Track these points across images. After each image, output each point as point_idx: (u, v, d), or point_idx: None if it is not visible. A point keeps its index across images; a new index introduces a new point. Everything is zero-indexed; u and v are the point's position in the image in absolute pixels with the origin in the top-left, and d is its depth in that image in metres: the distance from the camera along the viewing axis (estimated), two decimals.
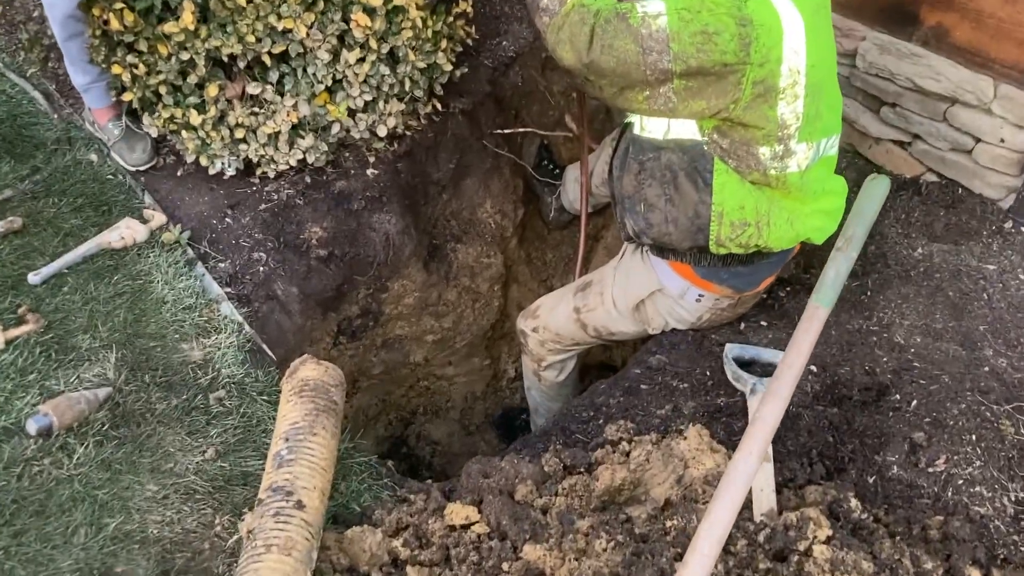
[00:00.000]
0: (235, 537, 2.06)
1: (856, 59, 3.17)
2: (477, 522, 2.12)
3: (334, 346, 3.15)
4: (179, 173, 3.07)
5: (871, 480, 2.12)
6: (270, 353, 2.62)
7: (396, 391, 3.53)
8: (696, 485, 2.07)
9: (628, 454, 2.22)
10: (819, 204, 2.39)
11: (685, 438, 2.17)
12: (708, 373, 2.50)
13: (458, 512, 2.13)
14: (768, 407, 1.74)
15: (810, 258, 2.92)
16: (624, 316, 2.69)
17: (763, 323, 2.67)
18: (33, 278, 2.56)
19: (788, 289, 2.84)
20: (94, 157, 3.08)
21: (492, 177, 3.49)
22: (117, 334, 2.50)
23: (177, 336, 2.55)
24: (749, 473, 1.68)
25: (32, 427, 2.15)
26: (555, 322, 2.88)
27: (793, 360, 1.76)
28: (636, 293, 2.62)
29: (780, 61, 2.07)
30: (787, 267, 2.81)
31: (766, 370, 2.43)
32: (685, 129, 2.22)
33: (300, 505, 2.00)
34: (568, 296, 2.84)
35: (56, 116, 3.21)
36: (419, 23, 2.88)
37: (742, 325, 2.66)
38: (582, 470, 2.20)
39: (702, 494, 2.04)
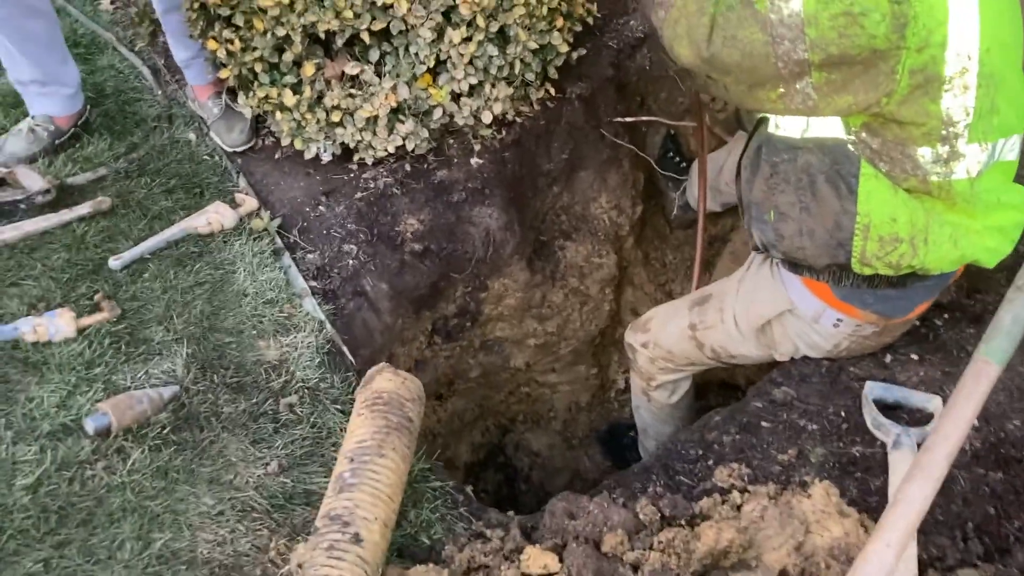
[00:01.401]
0: (286, 568, 1.87)
1: None
2: (556, 573, 1.85)
3: (428, 346, 2.94)
4: (276, 156, 2.92)
5: None
6: (349, 356, 2.42)
7: (494, 396, 3.29)
8: (819, 557, 1.72)
9: (739, 507, 1.89)
10: (992, 219, 1.97)
11: (809, 496, 1.83)
12: (843, 414, 2.12)
13: (536, 559, 1.86)
14: (915, 487, 1.38)
15: (975, 280, 2.48)
16: (747, 338, 2.34)
17: (914, 356, 2.26)
18: (114, 263, 2.44)
19: (947, 316, 2.41)
20: (192, 136, 2.96)
21: (609, 170, 3.18)
22: (192, 327, 2.35)
23: (255, 332, 2.39)
24: (885, 570, 1.33)
25: (90, 426, 2.01)
26: (667, 338, 2.55)
27: (951, 430, 1.40)
28: (762, 312, 2.27)
29: (944, 45, 1.69)
30: (947, 291, 2.38)
31: (914, 417, 2.04)
32: (828, 127, 1.86)
33: (357, 539, 1.78)
34: (683, 310, 2.51)
35: (160, 92, 3.11)
36: None
37: (888, 358, 2.27)
38: (683, 522, 1.89)
39: (825, 569, 1.69)
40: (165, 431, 2.07)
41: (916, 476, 1.39)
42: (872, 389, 2.05)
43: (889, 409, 2.04)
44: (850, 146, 1.85)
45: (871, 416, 2.00)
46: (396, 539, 1.98)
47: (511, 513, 2.17)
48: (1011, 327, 1.48)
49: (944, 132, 1.80)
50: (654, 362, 2.64)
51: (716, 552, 1.77)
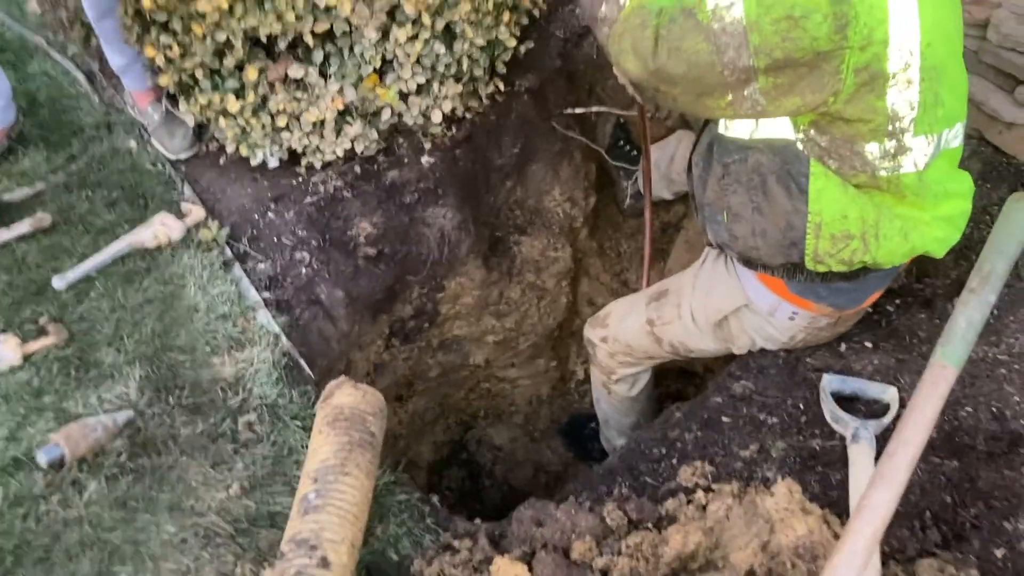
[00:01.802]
0: None
1: (988, 31, 2.71)
2: None
3: (386, 349, 2.91)
4: (222, 162, 2.85)
5: (999, 553, 1.76)
6: (307, 369, 2.39)
7: (455, 394, 3.28)
8: (784, 555, 1.75)
9: (705, 508, 1.91)
10: (940, 210, 2.00)
11: (772, 494, 1.85)
12: (801, 406, 2.15)
13: (505, 570, 1.86)
14: (879, 493, 1.40)
15: (924, 266, 2.52)
16: (704, 333, 2.36)
17: (867, 344, 2.30)
18: (58, 283, 2.37)
19: (898, 303, 2.46)
20: (133, 144, 2.88)
21: (561, 162, 3.17)
22: (144, 347, 2.29)
23: (208, 349, 2.34)
24: None
25: (43, 459, 1.96)
26: (626, 333, 2.56)
27: (912, 435, 1.42)
28: (718, 308, 2.29)
29: (886, 42, 1.69)
30: (897, 277, 2.42)
31: (871, 409, 2.07)
32: (776, 127, 1.86)
33: (325, 563, 1.76)
34: (641, 305, 2.51)
35: (97, 99, 3.02)
36: None
37: (843, 346, 2.30)
38: (650, 526, 1.90)
39: (791, 569, 1.72)
40: (121, 458, 2.02)
41: (879, 483, 1.41)
42: (829, 382, 2.08)
43: (847, 401, 2.07)
44: (799, 144, 1.86)
45: (829, 410, 2.03)
46: (364, 556, 1.96)
47: (478, 521, 2.16)
48: (966, 331, 1.50)
49: (891, 127, 1.81)
50: (613, 356, 2.65)
51: (684, 555, 1.79)
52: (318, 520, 1.83)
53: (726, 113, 1.82)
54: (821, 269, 1.98)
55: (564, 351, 3.40)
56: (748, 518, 1.83)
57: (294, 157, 2.76)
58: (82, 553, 1.85)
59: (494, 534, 2.07)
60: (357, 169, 2.79)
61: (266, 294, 2.54)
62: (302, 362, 2.39)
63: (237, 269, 2.56)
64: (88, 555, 1.85)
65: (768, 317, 2.21)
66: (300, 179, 2.79)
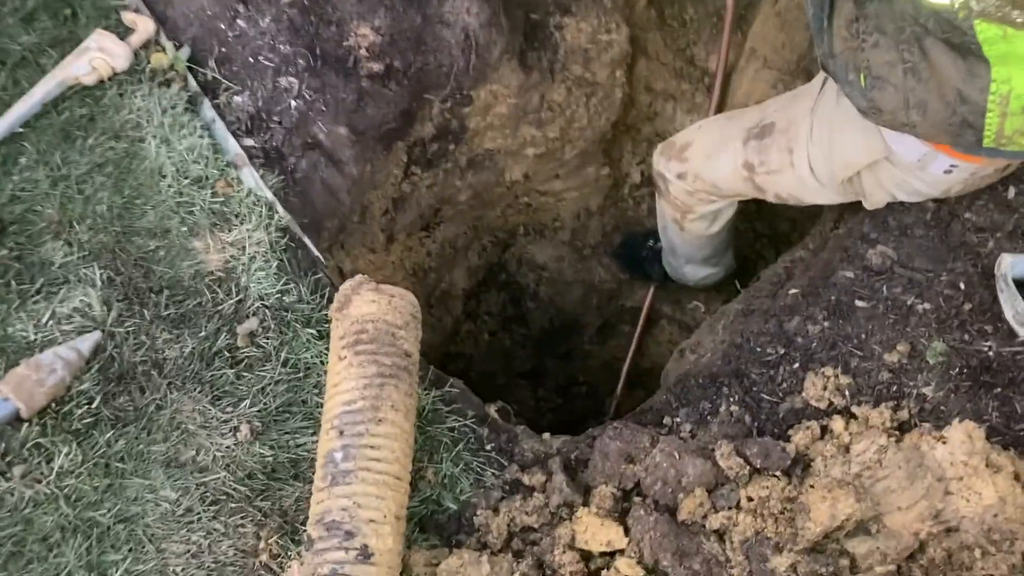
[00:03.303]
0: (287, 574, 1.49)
1: None
2: (623, 551, 1.48)
3: (405, 178, 2.36)
4: None
5: None
6: (315, 251, 1.87)
7: (489, 213, 2.77)
8: (968, 532, 1.35)
9: (848, 448, 1.49)
10: None
11: (944, 440, 1.41)
12: (962, 285, 1.66)
13: (595, 532, 1.49)
14: None
15: None
16: (827, 187, 1.80)
17: None
18: None
19: None
20: None
21: None
22: (102, 234, 1.77)
23: (185, 229, 1.81)
24: None
25: None
26: (713, 173, 2.00)
27: None
28: (848, 161, 1.70)
29: None
30: None
31: None
32: None
33: (366, 553, 1.39)
34: (735, 141, 1.92)
35: None
36: None
37: (1011, 192, 1.75)
38: (778, 474, 1.49)
39: (979, 559, 1.32)
40: (94, 404, 1.58)
41: None
42: (1013, 264, 1.57)
43: None
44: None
45: (1013, 307, 1.53)
46: (413, 508, 1.59)
47: (547, 437, 1.76)
48: None
49: None
50: (693, 195, 2.10)
51: (831, 531, 1.39)
52: (351, 493, 1.43)
53: None
54: (1009, 149, 1.40)
55: (617, 153, 2.83)
56: (911, 470, 1.41)
57: None
58: (63, 541, 1.48)
59: (570, 460, 1.67)
60: None
61: (248, 141, 1.96)
62: (307, 240, 1.87)
63: (207, 108, 1.95)
64: (71, 543, 1.47)
65: (917, 171, 1.65)
66: None
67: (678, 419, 1.65)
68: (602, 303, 3.04)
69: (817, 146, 1.74)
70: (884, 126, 1.50)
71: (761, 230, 2.81)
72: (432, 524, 1.60)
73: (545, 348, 3.12)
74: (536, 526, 1.57)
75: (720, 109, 2.63)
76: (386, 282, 2.30)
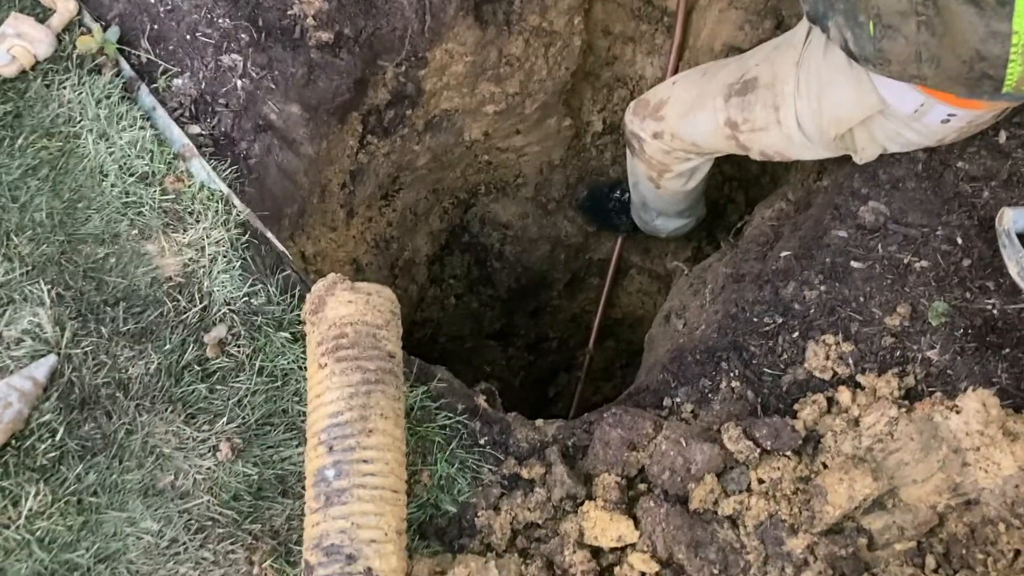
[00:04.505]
0: None
1: None
2: (635, 545, 1.43)
3: (361, 149, 2.23)
4: None
5: None
6: (278, 245, 1.74)
7: (449, 175, 2.65)
8: (990, 505, 1.32)
9: (857, 421, 1.45)
10: None
11: (958, 410, 1.38)
12: (959, 240, 1.61)
13: (605, 528, 1.44)
14: None
15: None
16: (815, 143, 1.72)
17: None
18: None
19: None
20: None
21: None
22: (44, 245, 1.62)
23: (135, 232, 1.67)
24: None
25: None
26: (692, 132, 1.91)
27: None
28: (839, 117, 1.62)
29: None
30: None
31: None
32: None
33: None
34: (715, 98, 1.82)
35: None
36: None
37: (1002, 136, 1.70)
38: (789, 454, 1.45)
39: (1003, 532, 1.30)
40: (58, 436, 1.46)
41: None
42: (1015, 219, 1.52)
43: None
44: None
45: (1018, 263, 1.49)
46: (412, 514, 1.52)
47: (540, 423, 1.69)
48: None
49: None
50: (670, 153, 2.02)
51: (848, 512, 1.36)
52: (348, 514, 1.35)
53: None
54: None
55: (577, 102, 2.71)
56: (924, 441, 1.38)
57: None
58: None
59: (568, 448, 1.62)
60: None
61: (195, 128, 1.80)
62: (270, 235, 1.74)
63: (145, 94, 1.79)
64: None
65: (911, 122, 1.58)
66: None
67: (678, 399, 1.60)
68: (569, 257, 2.96)
69: (805, 102, 1.65)
70: (890, 76, 1.41)
71: (729, 173, 2.73)
72: (432, 529, 1.53)
73: (513, 307, 3.04)
74: (540, 522, 1.52)
75: (681, 51, 2.52)
76: (349, 257, 2.20)
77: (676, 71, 2.44)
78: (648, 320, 2.59)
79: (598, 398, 3.14)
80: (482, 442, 1.63)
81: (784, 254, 1.72)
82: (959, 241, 1.61)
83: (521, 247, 2.90)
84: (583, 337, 3.08)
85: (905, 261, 1.61)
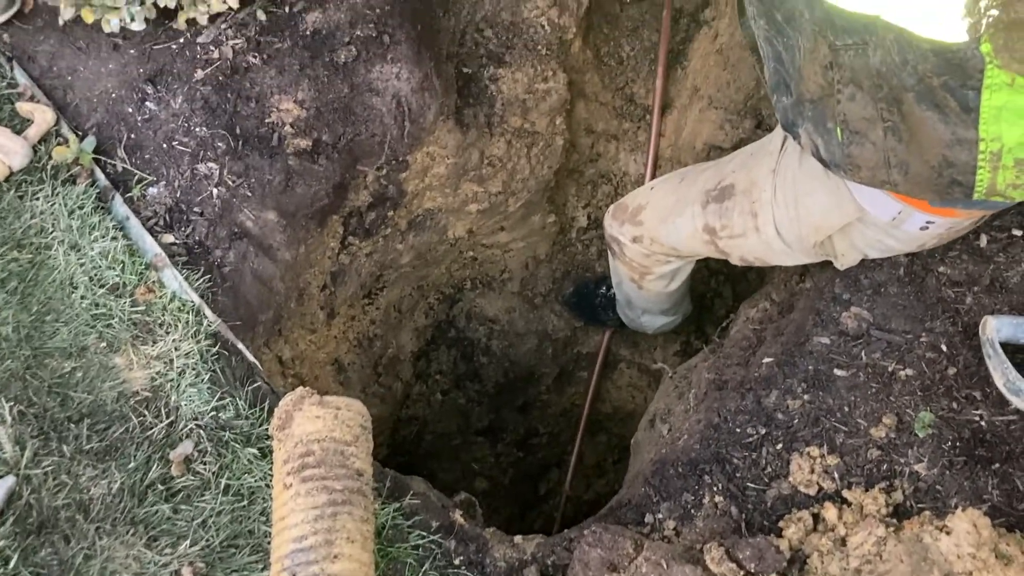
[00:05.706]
0: None
1: None
2: None
3: (343, 250, 2.22)
4: (61, 23, 1.93)
5: None
6: (251, 357, 1.71)
7: (434, 271, 2.63)
8: None
9: (844, 541, 1.39)
10: None
11: (948, 531, 1.32)
12: (944, 347, 1.58)
13: None
14: None
15: None
16: (794, 250, 1.70)
17: (1016, 232, 1.69)
18: None
19: None
20: None
21: None
22: (8, 360, 1.59)
23: (104, 345, 1.64)
24: None
25: None
26: (671, 237, 1.90)
27: None
28: (818, 225, 1.61)
29: None
30: None
31: None
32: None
33: None
34: (693, 205, 1.82)
35: None
36: None
37: (983, 240, 1.68)
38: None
39: None
40: (11, 564, 1.40)
41: None
42: (997, 327, 1.49)
43: (1021, 352, 1.50)
44: (974, 50, 1.12)
45: (1004, 374, 1.45)
46: None
47: (518, 540, 1.63)
48: None
49: None
50: (650, 256, 2.00)
51: None
52: None
53: None
54: (995, 200, 1.32)
55: (562, 198, 2.72)
56: (915, 564, 1.31)
57: (167, 13, 1.88)
58: None
59: (547, 568, 1.55)
60: (261, 17, 1.92)
61: (168, 237, 1.79)
62: (241, 345, 1.71)
63: (119, 204, 1.79)
64: None
65: (890, 229, 1.56)
66: (182, 42, 1.92)
67: (660, 515, 1.54)
68: (557, 351, 2.92)
69: (783, 209, 1.64)
70: (861, 183, 1.40)
71: (716, 267, 2.72)
72: None
73: (501, 402, 2.99)
74: None
75: (657, 153, 2.54)
76: (330, 358, 2.16)
77: (655, 170, 2.45)
78: (639, 414, 2.54)
79: (590, 495, 3.06)
80: (457, 562, 1.56)
81: (767, 360, 1.68)
82: (944, 348, 1.57)
83: (508, 341, 2.87)
84: (573, 432, 3.02)
85: (889, 369, 1.57)
